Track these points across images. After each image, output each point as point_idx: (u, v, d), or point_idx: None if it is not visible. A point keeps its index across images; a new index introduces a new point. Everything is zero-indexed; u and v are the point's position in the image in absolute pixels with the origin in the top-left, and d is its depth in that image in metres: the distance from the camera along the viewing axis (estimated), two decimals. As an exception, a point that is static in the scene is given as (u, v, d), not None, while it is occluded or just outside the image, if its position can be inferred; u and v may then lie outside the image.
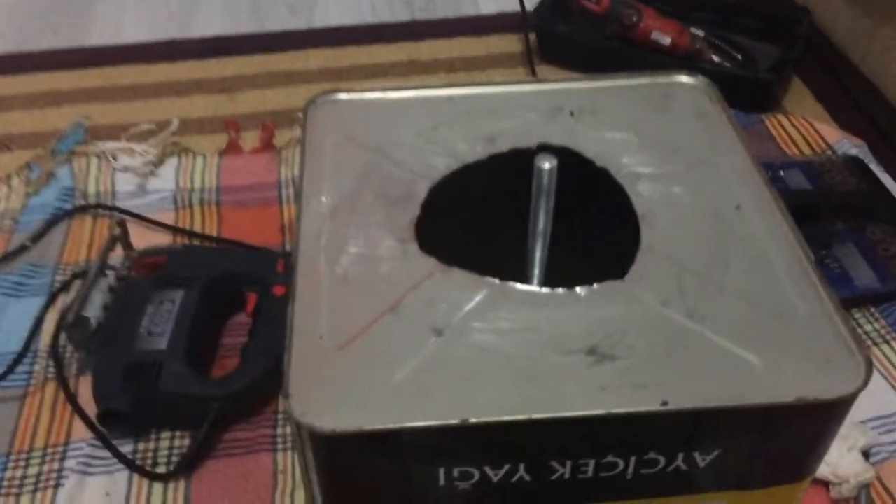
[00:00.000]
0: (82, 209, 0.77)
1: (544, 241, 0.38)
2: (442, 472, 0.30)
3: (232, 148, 0.86)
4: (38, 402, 0.61)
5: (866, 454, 0.57)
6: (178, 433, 0.59)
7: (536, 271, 0.38)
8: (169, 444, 0.58)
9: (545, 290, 0.33)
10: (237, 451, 0.58)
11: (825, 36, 0.94)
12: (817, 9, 0.94)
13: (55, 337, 0.63)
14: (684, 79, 0.43)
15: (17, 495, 0.55)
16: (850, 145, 0.80)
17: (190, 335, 0.60)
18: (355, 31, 1.03)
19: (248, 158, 0.84)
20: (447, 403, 0.29)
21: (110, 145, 0.85)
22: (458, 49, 0.97)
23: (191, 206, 0.78)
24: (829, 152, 0.80)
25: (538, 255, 0.38)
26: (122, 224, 0.69)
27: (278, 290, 0.64)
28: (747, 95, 0.87)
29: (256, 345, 0.61)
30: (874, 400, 0.60)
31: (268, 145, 0.86)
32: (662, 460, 0.30)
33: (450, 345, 0.31)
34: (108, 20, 1.07)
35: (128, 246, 0.69)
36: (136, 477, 0.56)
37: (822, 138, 0.81)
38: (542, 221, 0.37)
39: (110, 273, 0.66)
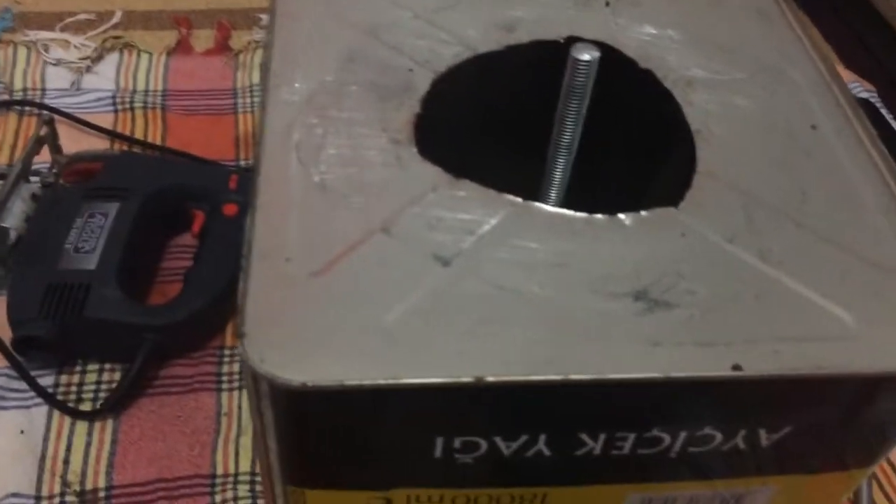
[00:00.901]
0: (5, 104, 0.68)
1: (569, 157, 0.30)
2: (440, 441, 0.23)
3: (182, 47, 0.77)
4: (-59, 323, 0.52)
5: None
6: (107, 366, 0.52)
7: (554, 193, 0.31)
8: (97, 378, 0.51)
9: (582, 214, 0.26)
10: (175, 389, 0.51)
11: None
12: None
13: (-36, 249, 0.54)
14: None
15: (-88, 430, 0.47)
16: (862, 89, 0.74)
17: (124, 255, 0.52)
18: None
19: (199, 60, 0.75)
20: (454, 356, 0.22)
21: (42, 35, 0.75)
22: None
23: (132, 109, 0.70)
24: (841, 94, 0.74)
25: (559, 174, 0.31)
26: (50, 123, 0.59)
27: (229, 210, 0.56)
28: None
29: (202, 270, 0.54)
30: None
31: (223, 47, 0.77)
32: (719, 436, 0.24)
33: (459, 279, 0.23)
34: None
35: (56, 149, 0.60)
36: (56, 413, 0.49)
37: (835, 79, 0.75)
38: (570, 131, 0.30)
39: (35, 179, 0.57)
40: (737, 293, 0.24)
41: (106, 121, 0.67)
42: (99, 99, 0.70)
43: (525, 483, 0.25)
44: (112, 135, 0.66)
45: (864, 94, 0.74)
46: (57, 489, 0.46)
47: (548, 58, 0.31)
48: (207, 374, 0.52)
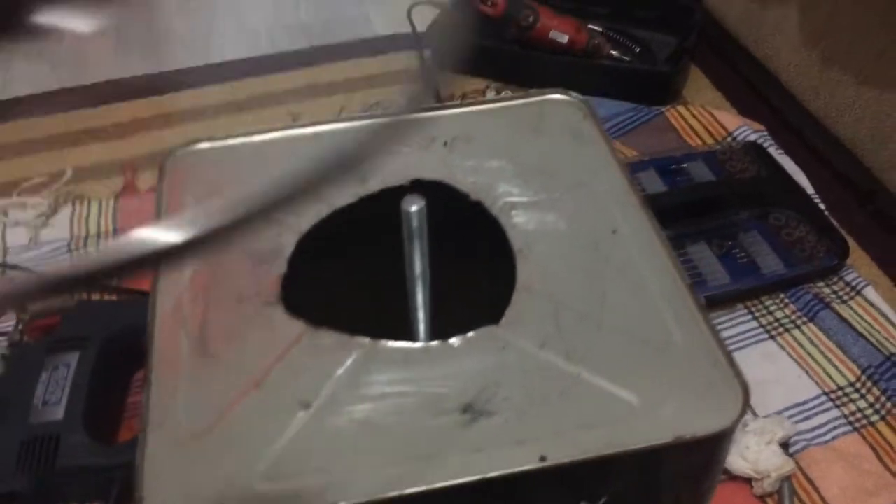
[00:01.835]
0: (-31, 269, 0.73)
1: (425, 286, 0.36)
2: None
3: (128, 190, 0.83)
4: (-71, 490, 0.56)
5: (786, 445, 0.57)
6: (85, 505, 0.56)
7: (421, 317, 0.37)
8: (76, 518, 0.55)
9: (418, 345, 0.31)
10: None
11: (719, 23, 0.95)
12: (710, -6, 0.95)
13: (-58, 417, 0.58)
14: (558, 97, 0.42)
15: None
16: (750, 131, 0.81)
17: (88, 401, 0.57)
18: (253, 62, 1.01)
19: (146, 197, 0.81)
20: (314, 490, 0.27)
21: (1, 203, 0.81)
22: (356, 70, 0.96)
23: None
24: (729, 140, 0.80)
25: (420, 300, 0.36)
26: (10, 285, 0.65)
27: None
28: (647, 88, 0.87)
29: (160, 403, 0.58)
30: (788, 388, 0.61)
31: (166, 183, 0.83)
32: (550, 513, 0.29)
33: (318, 419, 0.29)
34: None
35: (21, 308, 0.65)
36: (42, 558, 0.53)
37: (723, 126, 0.82)
38: (418, 265, 0.35)
39: (2, 339, 0.62)
40: (545, 393, 0.29)
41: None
42: (55, 249, 0.75)
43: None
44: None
45: (753, 136, 0.80)
46: None
47: (396, 201, 0.37)
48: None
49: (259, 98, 0.94)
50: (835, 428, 0.58)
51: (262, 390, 0.30)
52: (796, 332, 0.64)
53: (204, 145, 0.40)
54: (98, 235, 0.77)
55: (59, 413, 0.56)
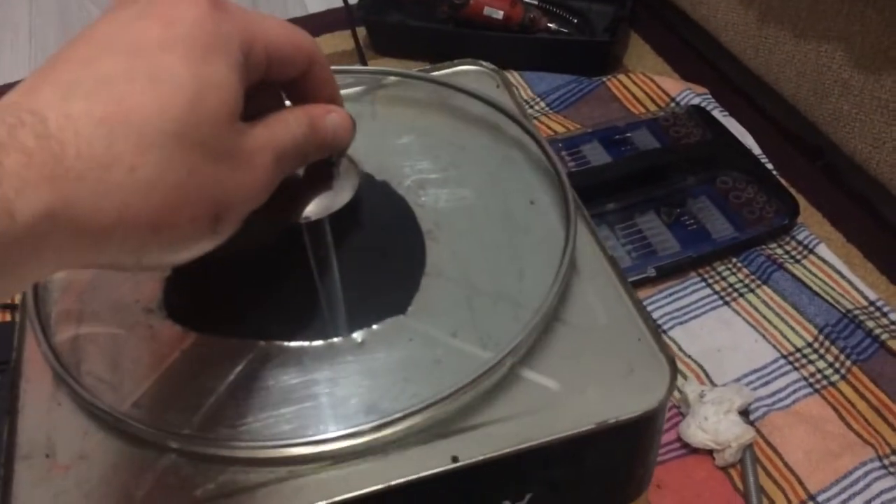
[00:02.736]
0: None
1: (327, 277, 0.33)
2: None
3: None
4: None
5: (746, 413, 0.55)
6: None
7: (323, 312, 0.33)
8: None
9: (318, 343, 0.28)
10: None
11: (656, -14, 0.93)
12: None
13: None
14: (470, 68, 0.39)
15: None
16: (693, 95, 0.79)
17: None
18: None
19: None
20: (201, 510, 0.24)
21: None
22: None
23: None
24: (672, 105, 0.78)
25: (322, 293, 0.33)
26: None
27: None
28: (587, 59, 0.85)
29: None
30: (746, 354, 0.59)
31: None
32: (471, 515, 0.26)
33: (208, 431, 0.26)
34: None
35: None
36: None
37: (665, 92, 0.80)
38: (320, 254, 0.32)
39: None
40: (457, 385, 0.27)
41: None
42: None
43: None
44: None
45: (697, 100, 0.78)
46: None
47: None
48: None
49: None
50: (795, 391, 0.57)
51: (141, 409, 0.27)
52: (751, 296, 0.62)
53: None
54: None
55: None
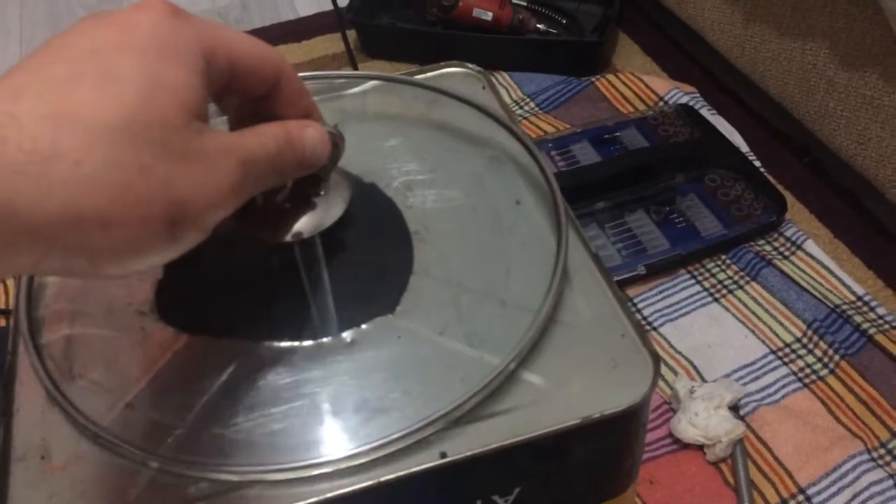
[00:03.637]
0: None
1: (316, 278, 0.33)
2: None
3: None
4: None
5: (736, 409, 0.56)
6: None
7: (313, 312, 0.34)
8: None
9: (308, 343, 0.29)
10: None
11: (644, -14, 0.93)
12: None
13: None
14: (456, 70, 0.40)
15: None
16: (681, 94, 0.79)
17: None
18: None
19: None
20: (194, 508, 0.24)
21: None
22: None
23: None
24: (661, 104, 0.79)
25: (312, 293, 0.34)
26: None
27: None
28: (576, 59, 0.85)
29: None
30: (736, 350, 0.59)
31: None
32: (460, 510, 0.27)
33: (198, 435, 0.26)
34: None
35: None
36: None
37: (653, 91, 0.80)
38: (315, 266, 0.33)
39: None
40: (446, 382, 0.27)
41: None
42: None
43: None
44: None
45: (685, 99, 0.79)
46: None
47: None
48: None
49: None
50: (784, 386, 0.57)
51: (134, 410, 0.27)
52: (740, 293, 0.63)
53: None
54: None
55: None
